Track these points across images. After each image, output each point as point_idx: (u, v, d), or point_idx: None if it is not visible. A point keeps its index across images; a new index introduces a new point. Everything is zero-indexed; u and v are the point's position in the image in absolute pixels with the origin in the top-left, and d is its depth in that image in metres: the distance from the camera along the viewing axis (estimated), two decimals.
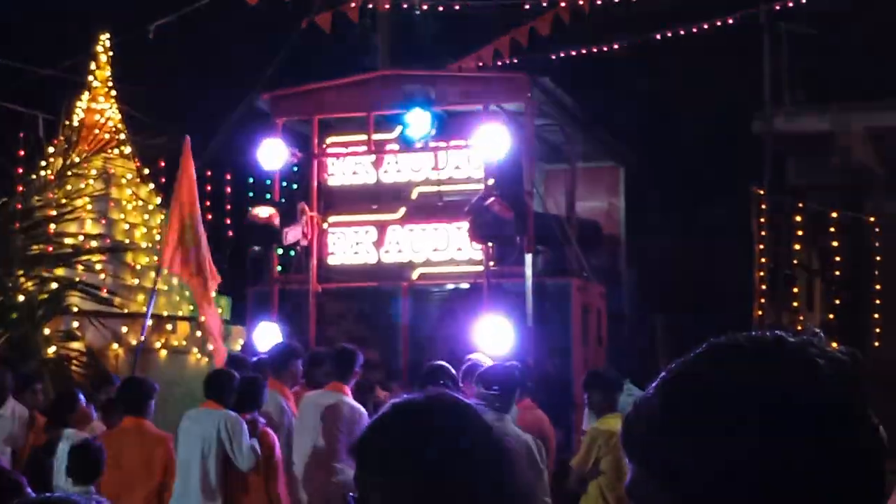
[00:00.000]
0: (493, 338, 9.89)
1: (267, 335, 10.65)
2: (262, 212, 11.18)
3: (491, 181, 11.01)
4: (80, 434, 7.81)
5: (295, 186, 12.48)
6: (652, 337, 15.18)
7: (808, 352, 1.31)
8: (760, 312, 16.33)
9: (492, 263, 10.95)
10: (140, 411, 7.56)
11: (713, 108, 18.52)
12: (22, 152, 12.65)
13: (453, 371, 8.08)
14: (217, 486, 7.52)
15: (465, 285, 11.24)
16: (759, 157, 16.37)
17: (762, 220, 16.20)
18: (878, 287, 16.88)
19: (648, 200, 17.27)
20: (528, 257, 10.69)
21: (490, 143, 10.66)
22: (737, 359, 1.30)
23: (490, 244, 10.74)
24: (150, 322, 11.01)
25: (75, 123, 12.98)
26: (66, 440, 7.66)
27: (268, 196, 12.11)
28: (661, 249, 17.06)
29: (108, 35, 14.51)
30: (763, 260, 16.36)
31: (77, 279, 12.14)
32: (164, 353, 12.95)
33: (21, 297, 11.78)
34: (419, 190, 11.97)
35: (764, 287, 16.39)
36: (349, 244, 12.03)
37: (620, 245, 13.99)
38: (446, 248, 11.67)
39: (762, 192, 16.11)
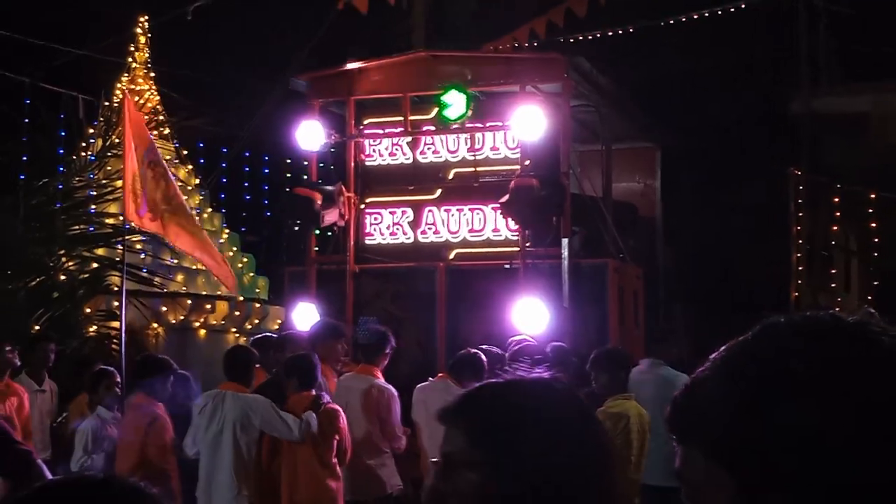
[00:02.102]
0: (530, 319, 9.93)
1: (305, 315, 10.74)
2: (300, 193, 11.25)
3: (527, 162, 11.03)
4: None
5: (332, 167, 12.55)
6: (688, 318, 15.15)
7: (867, 329, 1.32)
8: (797, 294, 16.26)
9: (528, 244, 10.98)
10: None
11: (751, 89, 18.42)
12: (62, 133, 12.78)
13: (483, 360, 8.13)
14: (247, 468, 7.56)
15: (501, 266, 11.27)
16: (797, 137, 16.29)
17: (799, 200, 16.12)
18: None
19: (685, 181, 17.22)
20: (565, 238, 10.71)
21: (526, 124, 10.68)
22: (796, 338, 1.31)
23: (526, 225, 10.76)
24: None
25: (115, 104, 13.07)
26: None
27: (305, 177, 12.18)
28: (697, 230, 17.01)
29: (146, 17, 14.62)
30: (800, 241, 16.29)
31: (117, 259, 12.28)
32: (202, 332, 13.09)
33: (62, 277, 11.94)
34: (456, 171, 12.00)
35: (801, 268, 16.32)
36: (386, 225, 12.10)
37: (657, 226, 13.97)
38: (482, 229, 11.71)
39: (799, 173, 16.03)
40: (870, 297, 17.67)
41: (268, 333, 10.69)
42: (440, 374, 8.52)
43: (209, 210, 14.71)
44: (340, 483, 7.75)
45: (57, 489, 1.60)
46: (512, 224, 10.98)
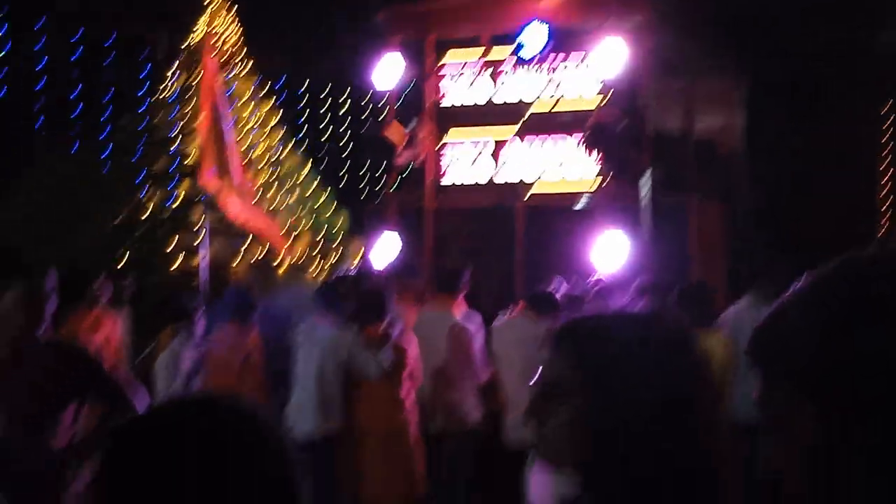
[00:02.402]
0: (608, 256, 9.88)
1: (384, 252, 10.80)
2: (379, 130, 11.27)
3: (607, 97, 10.90)
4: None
5: (410, 105, 12.54)
6: (771, 256, 14.96)
7: None
8: (884, 231, 15.98)
9: (607, 181, 10.89)
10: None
11: (840, 20, 17.94)
12: (145, 72, 12.93)
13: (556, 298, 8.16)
14: (334, 400, 7.70)
15: (580, 203, 11.20)
16: (886, 70, 15.87)
17: (887, 135, 15.78)
18: None
19: (769, 117, 16.90)
20: (645, 174, 10.59)
21: (607, 59, 10.55)
22: (880, 265, 1.32)
23: (605, 161, 10.67)
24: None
25: (196, 43, 13.16)
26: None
27: (383, 115, 12.19)
28: (781, 167, 16.73)
29: None
30: (887, 178, 15.97)
31: (199, 195, 12.44)
32: (283, 268, 13.23)
33: (145, 214, 12.15)
34: (534, 107, 11.91)
35: (888, 205, 16.02)
36: (465, 161, 12.07)
37: (739, 163, 13.75)
38: (561, 166, 11.63)
39: (887, 108, 15.66)
40: None
41: (346, 270, 10.81)
42: (517, 310, 8.53)
43: (290, 146, 14.81)
44: (411, 415, 7.85)
45: (167, 410, 1.63)
46: (591, 160, 10.89)
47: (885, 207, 15.95)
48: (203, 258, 10.76)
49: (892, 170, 15.99)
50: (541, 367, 2.02)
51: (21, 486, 4.46)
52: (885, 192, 15.96)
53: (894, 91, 15.76)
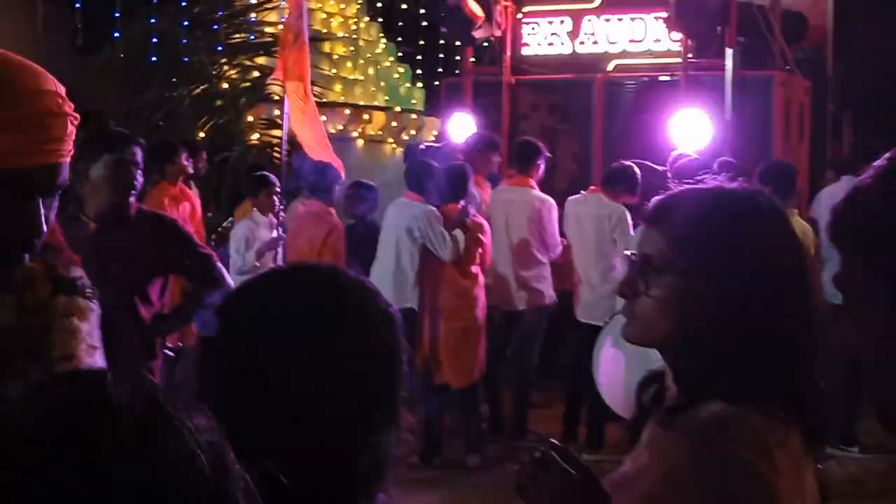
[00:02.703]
0: (690, 132, 9.71)
1: (460, 126, 10.73)
2: (456, 2, 11.08)
3: None
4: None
5: None
6: (858, 134, 14.60)
7: None
8: None
9: (690, 55, 10.64)
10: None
11: None
12: None
13: (636, 172, 8.04)
14: (412, 274, 7.75)
15: (662, 78, 10.97)
16: None
17: None
18: None
19: None
20: (729, 50, 10.32)
21: None
22: None
23: (689, 35, 10.40)
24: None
25: None
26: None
27: None
28: (871, 41, 16.19)
29: None
30: None
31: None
32: (360, 142, 13.23)
33: (224, 85, 12.17)
34: None
35: None
36: (543, 35, 11.84)
37: (828, 37, 13.32)
38: (643, 39, 11.36)
39: None
40: None
41: (421, 144, 10.77)
42: (592, 188, 8.46)
43: (366, 19, 14.67)
44: (482, 290, 7.89)
45: (288, 273, 1.66)
46: (675, 34, 10.62)
47: None
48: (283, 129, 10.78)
49: None
50: (637, 242, 2.01)
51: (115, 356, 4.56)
52: None
53: None
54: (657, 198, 2.02)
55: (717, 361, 1.84)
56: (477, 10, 11.01)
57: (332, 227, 7.94)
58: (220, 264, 5.00)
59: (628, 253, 2.01)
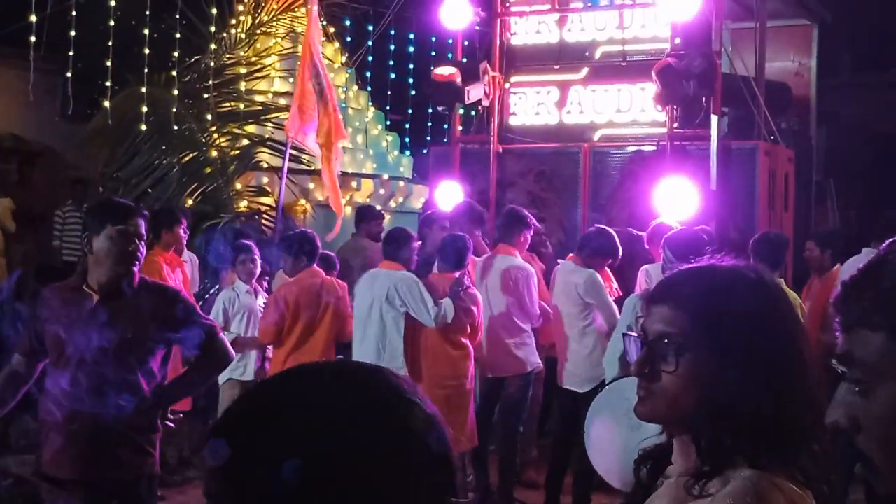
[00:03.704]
0: (676, 201, 9.80)
1: (448, 194, 10.81)
2: (445, 71, 11.21)
3: (677, 40, 10.74)
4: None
5: (477, 45, 12.45)
6: (841, 202, 14.74)
7: None
8: None
9: (676, 125, 10.77)
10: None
11: None
12: (214, 11, 12.95)
13: (609, 236, 8.13)
14: (400, 343, 7.73)
15: (647, 147, 11.10)
16: None
17: None
18: None
19: (841, 60, 16.57)
20: (714, 119, 10.45)
21: (677, 1, 10.37)
22: None
23: (675, 105, 10.54)
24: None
25: None
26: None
27: (450, 55, 12.13)
28: (853, 111, 16.43)
29: None
30: None
31: (267, 136, 12.51)
32: (348, 209, 13.29)
33: (214, 153, 12.24)
34: (603, 49, 11.78)
35: None
36: (531, 104, 11.99)
37: (811, 107, 13.52)
38: (629, 109, 11.52)
39: None
40: None
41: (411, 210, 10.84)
42: (570, 255, 8.52)
43: (355, 88, 14.81)
44: (471, 361, 7.88)
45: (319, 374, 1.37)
46: (660, 104, 10.76)
47: None
48: (279, 199, 10.88)
49: None
50: (642, 321, 2.05)
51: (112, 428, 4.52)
52: None
53: None
54: (666, 276, 2.11)
55: (743, 430, 1.90)
56: (466, 78, 11.13)
57: (323, 291, 8.01)
58: (222, 335, 4.99)
59: (632, 334, 2.06)
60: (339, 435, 1.24)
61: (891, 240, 1.41)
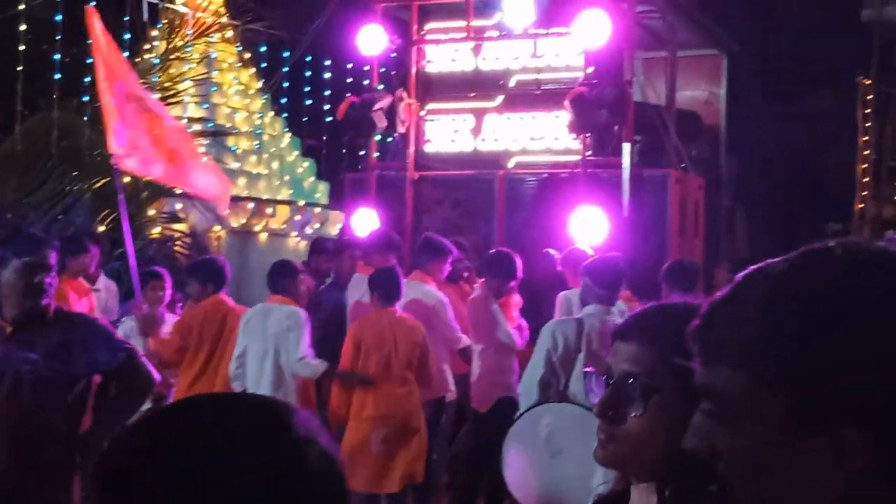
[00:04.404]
0: (588, 228, 9.92)
1: (364, 221, 10.82)
2: (360, 99, 11.25)
3: (590, 69, 10.90)
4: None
5: (393, 73, 12.50)
6: (751, 229, 15.04)
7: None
8: (862, 205, 16.07)
9: (589, 153, 10.91)
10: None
11: None
12: (127, 35, 12.83)
13: (514, 259, 8.22)
14: (289, 381, 7.64)
15: (561, 174, 11.23)
16: (867, 45, 15.91)
17: (867, 110, 15.82)
18: None
19: (750, 90, 16.94)
20: (626, 147, 10.62)
21: (590, 30, 10.53)
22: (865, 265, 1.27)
23: (587, 133, 10.68)
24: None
25: (179, 7, 13.08)
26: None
27: (366, 82, 12.16)
28: (762, 139, 16.79)
29: None
30: (866, 152, 16.03)
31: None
32: (264, 236, 13.23)
33: (126, 179, 12.09)
34: (517, 78, 11.91)
35: (866, 179, 16.09)
36: (446, 131, 12.07)
37: (720, 135, 13.80)
38: (543, 137, 11.65)
39: (869, 83, 15.69)
40: None
41: (325, 237, 10.82)
42: (480, 280, 8.59)
43: (271, 114, 14.77)
44: (416, 396, 7.77)
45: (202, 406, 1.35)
46: (573, 132, 10.90)
47: (865, 180, 16.03)
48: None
49: (871, 143, 16.05)
50: (611, 360, 1.91)
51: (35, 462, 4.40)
52: (864, 164, 16.03)
53: (876, 64, 15.79)
54: (634, 312, 1.97)
55: (708, 470, 1.79)
56: (382, 105, 11.17)
57: (223, 317, 7.91)
58: (143, 359, 4.91)
59: (589, 370, 1.94)
60: (226, 475, 1.20)
61: (750, 269, 1.34)
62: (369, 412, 7.47)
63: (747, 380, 1.27)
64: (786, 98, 19.01)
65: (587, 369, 1.96)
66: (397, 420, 7.53)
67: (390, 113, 11.27)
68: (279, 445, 1.25)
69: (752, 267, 1.33)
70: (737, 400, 1.29)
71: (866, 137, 15.89)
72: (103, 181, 11.99)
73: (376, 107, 11.11)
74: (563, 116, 10.73)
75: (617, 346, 1.90)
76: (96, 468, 1.25)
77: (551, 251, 9.33)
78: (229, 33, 13.97)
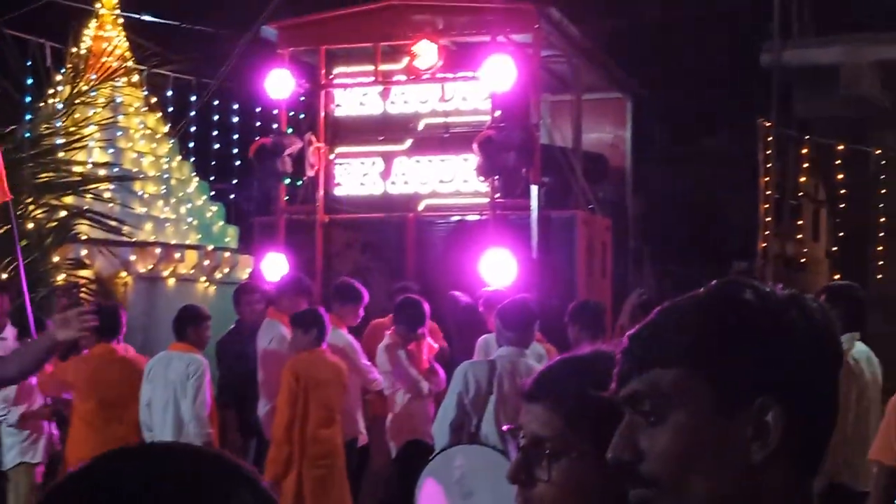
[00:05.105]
0: (498, 269, 9.99)
1: (274, 265, 10.76)
2: (269, 142, 11.22)
3: (497, 113, 11.02)
4: None
5: (302, 117, 12.50)
6: (657, 269, 15.27)
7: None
8: (765, 244, 16.43)
9: (497, 195, 11.00)
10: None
11: (721, 40, 18.42)
12: (30, 80, 12.65)
13: (422, 305, 8.30)
14: (192, 430, 7.56)
15: (470, 217, 11.30)
16: (767, 88, 16.35)
17: (768, 151, 16.23)
18: (881, 219, 16.96)
19: (655, 132, 17.26)
20: (534, 189, 10.74)
21: (496, 74, 10.65)
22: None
23: (495, 176, 10.77)
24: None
25: (83, 51, 12.94)
26: None
27: (275, 126, 12.13)
28: (667, 181, 17.10)
29: None
30: (768, 192, 16.42)
31: (86, 207, 12.23)
32: (172, 281, 13.07)
33: (30, 225, 11.88)
34: (426, 121, 11.99)
35: (769, 218, 16.47)
36: (356, 175, 12.09)
37: (626, 177, 14.02)
38: (452, 180, 11.73)
39: (769, 125, 16.11)
40: (834, 248, 17.87)
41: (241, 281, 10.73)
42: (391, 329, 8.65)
43: (178, 158, 14.64)
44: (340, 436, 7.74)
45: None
46: (481, 175, 10.98)
47: (767, 219, 16.41)
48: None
49: (773, 183, 16.45)
50: (521, 419, 1.87)
51: None
52: (767, 205, 16.42)
53: (776, 107, 16.23)
54: (541, 370, 1.94)
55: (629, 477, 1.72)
56: (291, 149, 11.15)
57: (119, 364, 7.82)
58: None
59: (505, 428, 1.90)
60: None
61: (668, 302, 1.54)
62: (311, 453, 7.47)
63: (680, 373, 1.45)
64: (689, 140, 19.40)
65: (504, 428, 1.94)
66: (328, 461, 7.55)
67: (299, 157, 11.26)
68: (227, 485, 1.22)
69: (668, 302, 1.54)
70: (672, 393, 1.45)
71: (767, 178, 16.29)
72: (5, 228, 11.77)
73: (285, 151, 11.09)
74: (472, 159, 10.81)
75: (526, 406, 1.87)
76: None
77: (457, 294, 9.40)
78: (135, 77, 13.84)
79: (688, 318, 1.48)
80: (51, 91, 13.19)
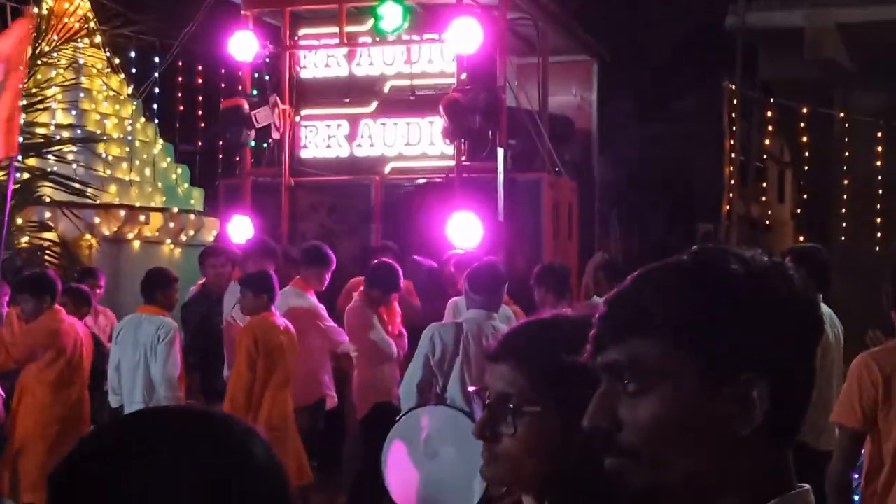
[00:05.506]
0: (464, 232, 10.02)
1: (239, 228, 10.73)
2: (234, 103, 11.15)
3: (463, 75, 11.00)
4: None
5: (267, 79, 12.42)
6: (623, 230, 15.34)
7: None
8: (729, 206, 16.53)
9: (463, 158, 11.00)
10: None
11: (687, 2, 18.44)
12: None
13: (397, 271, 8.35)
14: (162, 394, 7.57)
15: (437, 179, 11.30)
16: (732, 51, 16.39)
17: (733, 114, 16.29)
18: (845, 181, 17.10)
19: (621, 95, 17.28)
20: (500, 152, 10.74)
21: (463, 37, 10.62)
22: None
23: (461, 138, 10.77)
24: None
25: (44, 12, 12.78)
26: None
27: (239, 88, 12.05)
28: (633, 143, 17.15)
29: None
30: (733, 154, 16.50)
31: (49, 170, 12.13)
32: (137, 244, 13.02)
33: None
34: (392, 84, 11.94)
35: (734, 180, 16.56)
36: (322, 138, 12.04)
37: (592, 139, 14.05)
38: (418, 143, 11.70)
39: (734, 87, 16.16)
40: (799, 211, 18.03)
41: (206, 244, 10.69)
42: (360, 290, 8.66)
43: (142, 120, 14.53)
44: (288, 394, 7.78)
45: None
46: (447, 138, 10.97)
47: (732, 181, 16.50)
48: None
49: (738, 146, 16.54)
50: (487, 380, 1.96)
51: None
52: (731, 167, 16.51)
53: (740, 69, 16.27)
54: (506, 332, 2.03)
55: (588, 488, 1.78)
56: (256, 111, 11.09)
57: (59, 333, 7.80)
58: None
59: (472, 389, 1.98)
60: (175, 474, 1.29)
61: (646, 267, 1.51)
62: (267, 416, 7.48)
63: (664, 344, 1.43)
64: (655, 102, 19.45)
65: (471, 389, 2.00)
66: (284, 424, 7.58)
67: (265, 118, 11.19)
68: (227, 440, 1.35)
69: (646, 266, 1.52)
70: (655, 366, 1.43)
71: (732, 140, 16.37)
72: None
73: (250, 112, 11.02)
74: (438, 122, 10.80)
75: (492, 366, 1.96)
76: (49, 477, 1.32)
77: (419, 258, 9.43)
78: (97, 38, 13.69)
79: (670, 288, 1.46)
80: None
